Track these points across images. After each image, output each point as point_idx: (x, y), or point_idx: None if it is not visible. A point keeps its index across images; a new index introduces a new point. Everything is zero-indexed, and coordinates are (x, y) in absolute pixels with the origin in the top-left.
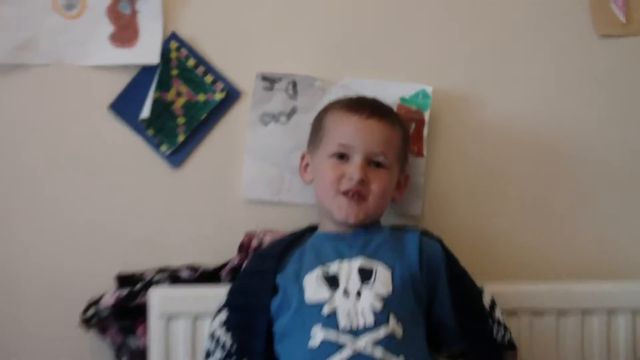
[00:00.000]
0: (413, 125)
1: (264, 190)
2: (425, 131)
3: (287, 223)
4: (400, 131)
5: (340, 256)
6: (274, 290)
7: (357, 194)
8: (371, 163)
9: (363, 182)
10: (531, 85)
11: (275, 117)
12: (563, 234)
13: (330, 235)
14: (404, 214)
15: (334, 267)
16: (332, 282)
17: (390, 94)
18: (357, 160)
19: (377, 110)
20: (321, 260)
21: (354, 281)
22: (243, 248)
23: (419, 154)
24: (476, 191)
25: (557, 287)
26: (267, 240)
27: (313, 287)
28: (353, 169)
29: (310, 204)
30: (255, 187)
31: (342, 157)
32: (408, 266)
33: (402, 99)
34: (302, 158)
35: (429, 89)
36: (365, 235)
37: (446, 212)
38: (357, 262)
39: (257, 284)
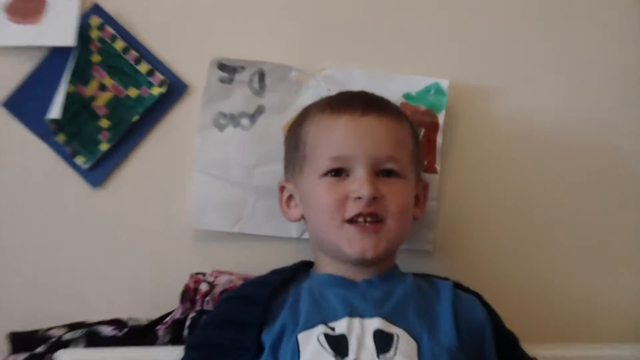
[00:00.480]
0: (422, 131)
1: (219, 218)
2: (439, 139)
3: (250, 263)
4: (408, 126)
5: (351, 311)
6: (257, 349)
7: (372, 217)
8: (379, 173)
9: (375, 199)
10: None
11: (234, 120)
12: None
13: (335, 279)
14: (409, 250)
15: (341, 326)
16: (339, 346)
17: (391, 89)
18: (360, 173)
19: (373, 103)
20: (324, 313)
21: (368, 350)
22: (187, 295)
23: (431, 169)
24: (507, 221)
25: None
26: (222, 283)
27: (312, 352)
28: (358, 185)
29: (284, 238)
30: (206, 215)
31: (339, 173)
32: (441, 340)
33: (407, 97)
34: (281, 190)
35: (444, 83)
36: (383, 284)
37: (467, 249)
38: (374, 324)
39: (231, 339)
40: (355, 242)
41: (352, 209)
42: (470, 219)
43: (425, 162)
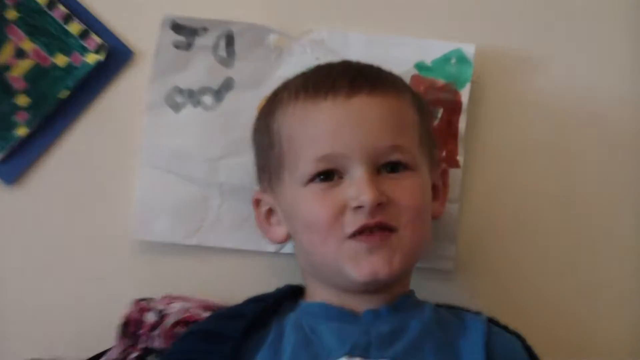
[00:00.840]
0: (440, 112)
1: (172, 226)
2: (462, 123)
3: (213, 285)
4: (411, 100)
5: (350, 349)
6: None
7: (380, 228)
8: (382, 169)
9: (381, 205)
10: None
11: (194, 97)
12: None
13: (331, 310)
14: (422, 269)
15: None
16: None
17: (398, 58)
18: (358, 173)
19: (362, 76)
20: (315, 353)
21: None
22: (129, 329)
23: (451, 162)
24: (553, 231)
25: None
26: (176, 312)
27: None
28: (357, 190)
29: (259, 252)
30: (155, 222)
31: (330, 176)
32: None
33: (420, 67)
34: (257, 205)
35: (469, 50)
36: (393, 316)
37: (499, 267)
38: None
39: None
40: (362, 262)
41: (353, 222)
42: (503, 228)
43: (444, 153)
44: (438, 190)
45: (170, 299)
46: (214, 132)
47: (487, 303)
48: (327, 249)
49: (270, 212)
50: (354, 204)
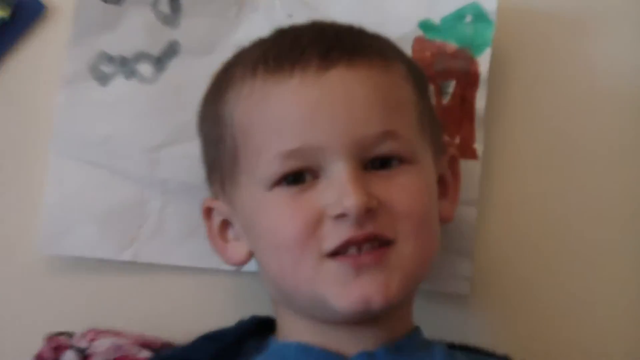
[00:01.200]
0: (452, 86)
1: (96, 237)
2: (481, 100)
3: (153, 315)
4: (404, 70)
5: None
6: None
7: (371, 242)
8: (370, 165)
9: (371, 212)
10: None
11: (127, 66)
12: None
13: (310, 354)
14: (428, 292)
15: None
16: None
17: (398, 14)
18: (338, 170)
19: (338, 43)
20: None
21: None
22: None
23: (466, 152)
24: (597, 242)
25: None
26: (104, 350)
27: None
28: (338, 192)
29: (213, 270)
30: (71, 231)
31: (300, 178)
32: None
33: (425, 27)
34: (207, 215)
35: (490, 4)
36: (391, 356)
37: (528, 291)
38: None
39: None
40: (349, 286)
41: (333, 236)
42: (535, 238)
43: (457, 140)
44: (446, 184)
45: (96, 333)
46: (153, 112)
47: (514, 339)
48: (300, 273)
49: (225, 224)
50: (335, 211)
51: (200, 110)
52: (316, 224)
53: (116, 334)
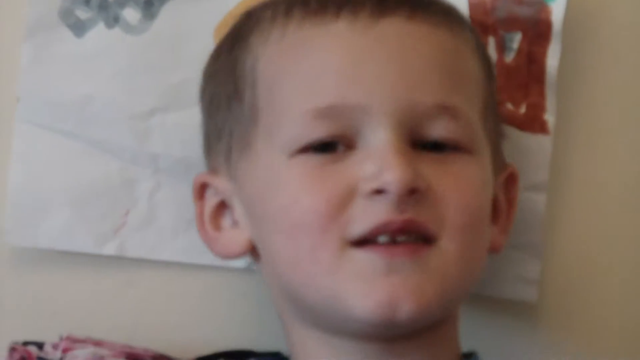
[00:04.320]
0: (517, 40)
1: (72, 226)
2: (553, 58)
3: (140, 323)
4: (473, 41)
5: None
6: None
7: (409, 234)
8: (419, 144)
9: (415, 194)
10: None
11: (109, 12)
12: None
13: None
14: (482, 299)
15: None
16: None
17: None
18: (381, 138)
19: None
20: None
21: None
22: None
23: (534, 124)
24: None
25: None
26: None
27: None
28: (378, 163)
29: (214, 267)
30: (43, 219)
31: (332, 146)
32: None
33: None
34: (200, 193)
35: None
36: None
37: (611, 295)
38: None
39: None
40: (375, 284)
41: (365, 218)
42: (617, 233)
43: (523, 108)
44: (498, 209)
45: (71, 342)
46: (141, 70)
47: (590, 357)
48: (317, 263)
49: (221, 207)
50: (371, 185)
51: (209, 65)
52: (344, 202)
53: (96, 343)
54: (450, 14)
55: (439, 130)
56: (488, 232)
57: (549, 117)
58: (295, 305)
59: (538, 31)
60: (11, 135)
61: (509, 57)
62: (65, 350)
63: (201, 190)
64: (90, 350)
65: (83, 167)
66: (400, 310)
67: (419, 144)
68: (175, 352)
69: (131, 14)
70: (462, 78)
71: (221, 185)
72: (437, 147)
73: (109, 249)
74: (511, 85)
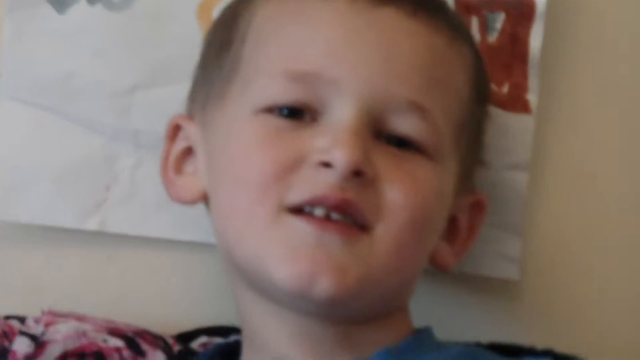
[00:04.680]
0: (500, 20)
1: (53, 201)
2: (536, 39)
3: (122, 296)
4: (469, 58)
5: None
6: None
7: (344, 214)
8: (382, 135)
9: (361, 176)
10: None
11: None
12: None
13: None
14: (463, 276)
15: None
16: None
17: None
18: (344, 114)
19: None
20: None
21: None
22: None
23: (517, 104)
24: None
25: None
26: (63, 337)
27: None
28: (332, 138)
29: (197, 244)
30: (23, 193)
31: (298, 113)
32: None
33: None
34: (173, 134)
35: None
36: None
37: (590, 273)
38: None
39: None
40: (300, 253)
41: (305, 187)
42: (598, 213)
43: (506, 88)
44: (458, 231)
45: (54, 316)
46: (123, 46)
47: (571, 332)
48: (251, 220)
49: (187, 153)
50: (319, 157)
51: (218, 14)
52: (291, 167)
53: (79, 318)
54: (455, 25)
55: (404, 126)
56: (431, 239)
57: (532, 97)
58: (232, 266)
59: (521, 12)
60: None
61: (492, 37)
62: (47, 325)
63: (174, 131)
64: (72, 324)
65: (65, 143)
66: (317, 285)
67: (383, 136)
68: (157, 327)
69: None
70: (442, 86)
71: (192, 130)
72: (400, 144)
73: (91, 224)
74: (494, 65)
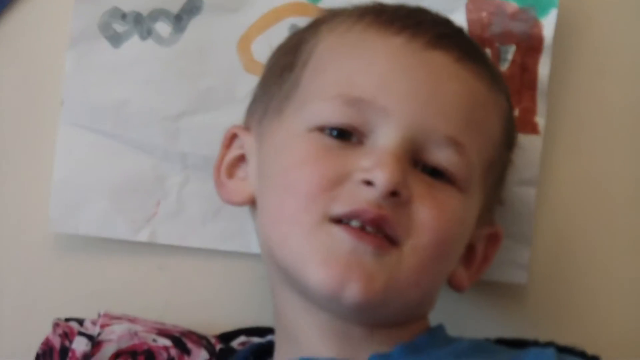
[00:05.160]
0: (511, 51)
1: (109, 215)
2: (544, 68)
3: (172, 301)
4: (504, 103)
5: None
6: None
7: (378, 226)
8: (419, 164)
9: (397, 197)
10: None
11: (142, 24)
12: None
13: None
14: (487, 281)
15: None
16: None
17: None
18: (388, 141)
19: (455, 35)
20: None
21: None
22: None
23: (527, 126)
24: None
25: None
26: (117, 337)
27: None
28: (376, 160)
29: (241, 254)
30: (82, 208)
31: (347, 135)
32: None
33: None
34: (229, 142)
35: None
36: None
37: (594, 281)
38: None
39: None
40: (335, 260)
41: (348, 201)
42: (599, 224)
43: (517, 112)
44: (474, 257)
45: (109, 318)
46: (172, 77)
47: (575, 333)
48: (296, 224)
49: (240, 160)
50: (363, 176)
51: (284, 39)
52: (336, 182)
53: (131, 320)
54: (494, 75)
55: (441, 158)
56: (452, 261)
57: (540, 120)
58: (273, 264)
59: (530, 44)
60: (56, 135)
61: (504, 67)
62: (103, 326)
63: (230, 139)
64: (125, 326)
65: (119, 164)
66: (347, 289)
67: (420, 164)
68: (201, 328)
69: (163, 28)
70: (479, 129)
71: (247, 139)
72: (434, 173)
73: (143, 236)
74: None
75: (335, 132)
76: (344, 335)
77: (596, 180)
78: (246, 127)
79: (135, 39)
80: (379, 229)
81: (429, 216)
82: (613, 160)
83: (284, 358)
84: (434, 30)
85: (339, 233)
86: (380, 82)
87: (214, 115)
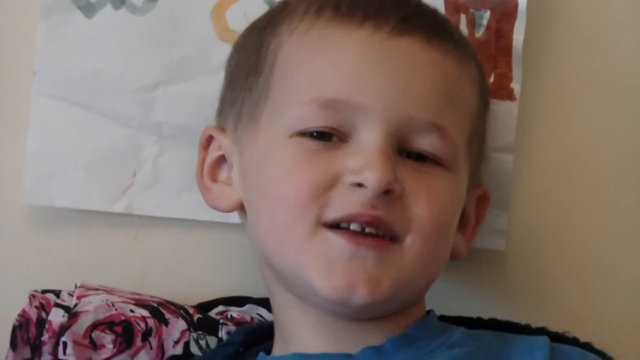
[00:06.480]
0: (486, 17)
1: (84, 187)
2: (519, 34)
3: (148, 272)
4: (475, 73)
5: None
6: None
7: (376, 228)
8: (405, 152)
9: (390, 194)
10: None
11: None
12: None
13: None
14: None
15: None
16: None
17: None
18: (372, 139)
19: (421, 14)
20: None
21: None
22: (23, 335)
23: (502, 92)
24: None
25: None
26: (94, 308)
27: None
28: (363, 160)
29: (216, 224)
30: (57, 180)
31: (327, 136)
32: None
33: None
34: (206, 144)
35: None
36: (404, 352)
37: (572, 247)
38: None
39: None
40: (336, 267)
41: (341, 205)
42: (576, 190)
43: (492, 78)
44: (467, 221)
45: (85, 289)
46: (146, 47)
47: (552, 298)
48: (290, 236)
49: (221, 161)
50: (353, 179)
51: (240, 38)
52: (327, 186)
53: (108, 291)
54: (462, 45)
55: (425, 144)
56: (451, 239)
57: (516, 86)
58: (270, 269)
59: (505, 9)
60: (28, 105)
61: (479, 33)
62: (79, 297)
63: (207, 141)
64: (102, 297)
65: (94, 135)
66: (355, 295)
67: (404, 151)
68: (179, 298)
69: None
70: (457, 105)
71: (224, 142)
72: (419, 157)
73: (118, 207)
74: (481, 58)
75: (316, 134)
76: (337, 330)
77: (572, 146)
78: (220, 127)
79: (108, 8)
80: (378, 229)
81: (424, 206)
82: (589, 125)
83: (280, 353)
84: (397, 14)
85: (335, 239)
86: (352, 80)
87: (189, 84)
